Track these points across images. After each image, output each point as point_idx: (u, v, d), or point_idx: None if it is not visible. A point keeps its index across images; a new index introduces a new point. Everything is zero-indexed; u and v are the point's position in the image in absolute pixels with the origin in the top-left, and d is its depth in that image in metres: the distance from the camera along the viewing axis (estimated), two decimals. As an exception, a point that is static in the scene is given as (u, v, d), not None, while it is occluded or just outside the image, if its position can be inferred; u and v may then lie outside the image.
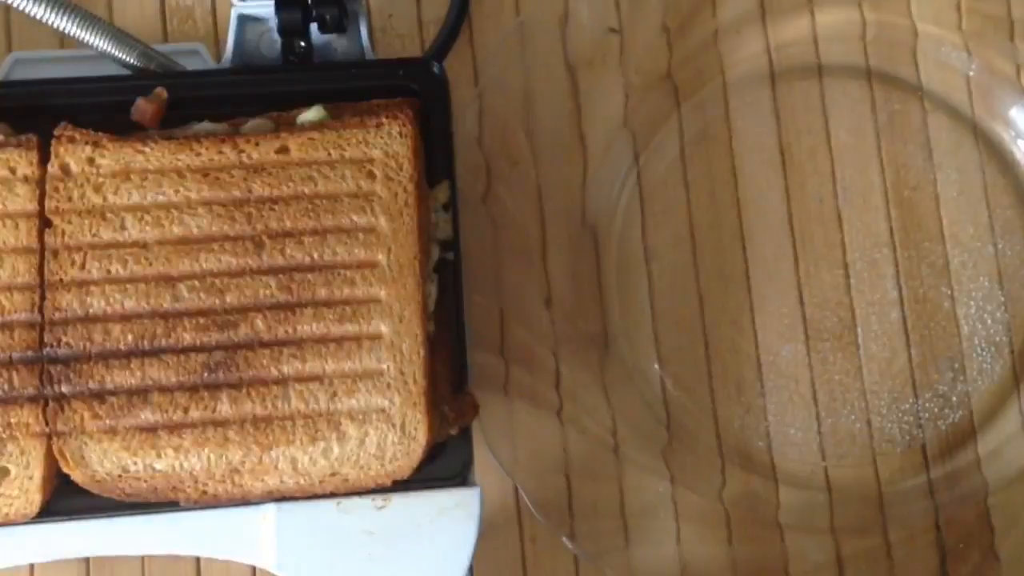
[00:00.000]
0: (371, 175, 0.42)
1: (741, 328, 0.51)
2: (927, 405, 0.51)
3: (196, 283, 0.41)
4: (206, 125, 0.43)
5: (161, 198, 0.41)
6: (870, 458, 0.51)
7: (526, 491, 0.47)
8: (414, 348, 0.40)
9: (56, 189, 0.41)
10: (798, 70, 0.53)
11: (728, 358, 0.51)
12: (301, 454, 0.40)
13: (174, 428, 0.40)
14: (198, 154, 0.42)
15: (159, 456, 0.40)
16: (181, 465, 0.40)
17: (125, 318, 0.40)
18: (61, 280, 0.40)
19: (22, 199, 0.41)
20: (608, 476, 0.49)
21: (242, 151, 0.42)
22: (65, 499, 0.41)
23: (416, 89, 0.45)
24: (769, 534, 0.49)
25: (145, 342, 0.40)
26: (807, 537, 0.49)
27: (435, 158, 0.44)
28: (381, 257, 0.41)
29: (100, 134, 0.42)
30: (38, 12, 0.43)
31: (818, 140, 0.53)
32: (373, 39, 0.50)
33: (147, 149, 0.42)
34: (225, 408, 0.40)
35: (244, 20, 0.48)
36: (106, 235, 0.41)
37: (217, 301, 0.40)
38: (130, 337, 0.40)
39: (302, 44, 0.46)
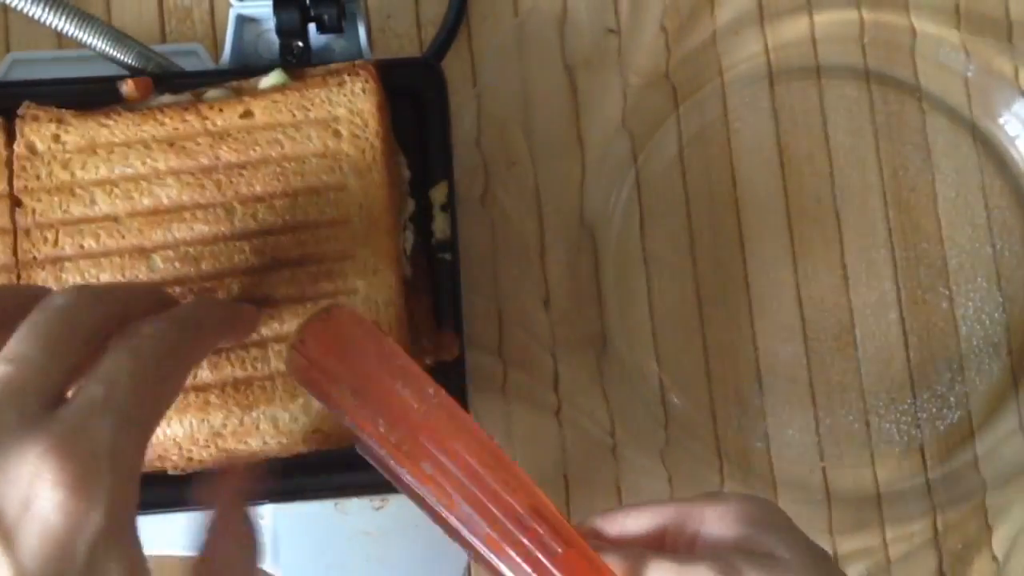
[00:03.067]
0: (337, 134, 0.42)
1: (739, 329, 0.51)
2: (925, 406, 0.51)
3: (170, 253, 0.40)
4: (167, 97, 0.43)
5: (129, 170, 0.41)
6: (868, 459, 0.51)
7: (524, 492, 0.47)
8: (389, 300, 0.41)
9: (23, 168, 0.41)
10: (796, 71, 0.53)
11: (726, 359, 0.51)
12: (281, 412, 0.40)
13: None
14: (163, 124, 0.41)
15: None
16: (164, 432, 0.40)
17: None
18: (35, 258, 0.40)
19: None
20: (606, 477, 0.49)
21: (206, 118, 0.42)
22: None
23: (414, 89, 0.45)
24: (767, 535, 0.49)
25: None
26: (805, 538, 0.49)
27: (433, 158, 0.44)
28: (352, 214, 0.41)
29: (63, 110, 0.42)
30: (36, 12, 0.43)
31: (816, 141, 0.53)
32: (371, 39, 0.50)
33: (111, 122, 0.41)
34: (205, 374, 0.40)
35: (242, 20, 0.48)
36: (77, 211, 0.41)
37: (192, 270, 0.40)
38: None
39: (300, 44, 0.46)
